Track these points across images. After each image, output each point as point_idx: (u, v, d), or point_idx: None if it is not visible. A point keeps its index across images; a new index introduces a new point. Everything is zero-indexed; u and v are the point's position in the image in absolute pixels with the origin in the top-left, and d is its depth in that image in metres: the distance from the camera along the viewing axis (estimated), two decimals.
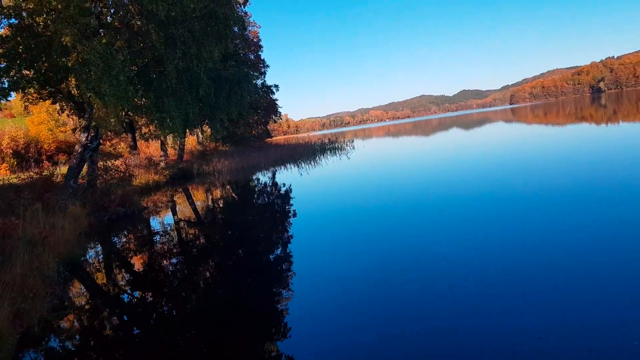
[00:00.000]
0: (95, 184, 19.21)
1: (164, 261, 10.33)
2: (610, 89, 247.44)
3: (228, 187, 24.52)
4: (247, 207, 17.18)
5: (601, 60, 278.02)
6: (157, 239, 12.90)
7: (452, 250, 7.94)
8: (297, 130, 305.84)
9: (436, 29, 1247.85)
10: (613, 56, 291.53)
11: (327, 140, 47.69)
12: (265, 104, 48.62)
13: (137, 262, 10.62)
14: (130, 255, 11.53)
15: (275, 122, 62.29)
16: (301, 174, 24.48)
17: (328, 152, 39.27)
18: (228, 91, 14.87)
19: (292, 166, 30.27)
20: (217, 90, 14.54)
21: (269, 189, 21.66)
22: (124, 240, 13.70)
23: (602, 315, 4.98)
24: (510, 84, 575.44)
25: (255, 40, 49.22)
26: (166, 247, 11.81)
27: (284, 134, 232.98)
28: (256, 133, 48.78)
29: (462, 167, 18.95)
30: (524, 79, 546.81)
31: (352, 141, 47.91)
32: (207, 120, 17.02)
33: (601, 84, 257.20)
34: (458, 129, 57.22)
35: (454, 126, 68.69)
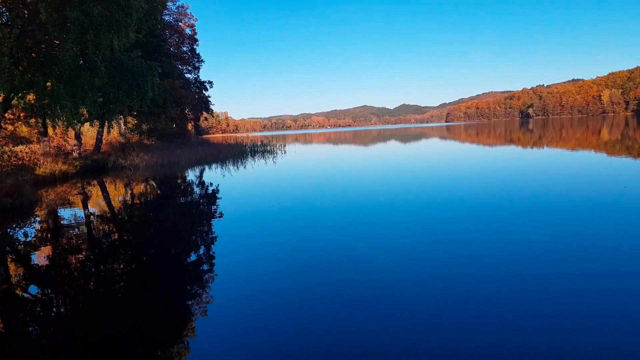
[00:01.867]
0: None
1: (52, 259, 9.40)
2: (538, 115, 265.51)
3: (142, 183, 23.29)
4: (159, 206, 16.27)
5: (532, 87, 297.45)
6: (47, 235, 11.69)
7: (364, 252, 8.36)
8: (236, 129, 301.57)
9: (381, 43, 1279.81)
10: (543, 84, 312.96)
11: (259, 143, 47.09)
12: (195, 100, 47.19)
13: (12, 262, 9.59)
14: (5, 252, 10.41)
15: (206, 119, 60.70)
16: (224, 175, 23.98)
17: (260, 154, 38.79)
18: (130, 83, 13.98)
19: (217, 166, 29.53)
20: (120, 81, 13.63)
21: (188, 188, 20.81)
22: (6, 234, 12.40)
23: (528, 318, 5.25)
24: (448, 102, 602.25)
25: (190, 33, 47.75)
26: (58, 243, 10.75)
27: (223, 132, 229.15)
28: (180, 128, 47.06)
29: (385, 177, 19.73)
30: (460, 99, 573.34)
31: (284, 146, 47.57)
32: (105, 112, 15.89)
33: (530, 110, 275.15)
34: (396, 142, 58.69)
35: (392, 138, 70.62)
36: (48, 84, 12.47)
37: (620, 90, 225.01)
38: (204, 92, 49.50)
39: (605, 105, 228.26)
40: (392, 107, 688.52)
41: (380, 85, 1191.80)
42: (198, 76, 48.99)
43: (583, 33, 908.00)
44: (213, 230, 11.32)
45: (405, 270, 7.17)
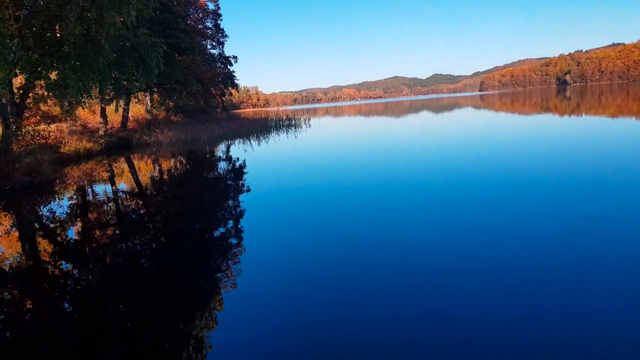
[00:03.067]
0: (9, 149, 17.89)
1: (75, 235, 9.49)
2: (576, 82, 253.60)
3: (165, 159, 23.47)
4: (182, 182, 16.20)
5: (569, 53, 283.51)
6: (64, 212, 11.78)
7: (395, 228, 7.89)
8: (267, 103, 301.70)
9: (412, 11, 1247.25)
10: (582, 50, 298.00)
11: (284, 117, 46.76)
12: (219, 76, 46.91)
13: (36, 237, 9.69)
14: (26, 230, 10.53)
15: (231, 94, 60.65)
16: (246, 150, 24.01)
17: (285, 128, 38.66)
18: (136, 61, 13.75)
19: (239, 142, 29.55)
20: (128, 59, 13.42)
21: (210, 164, 20.77)
22: (22, 212, 12.60)
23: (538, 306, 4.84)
24: (481, 71, 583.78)
25: (214, 8, 47.20)
26: (76, 219, 10.83)
27: (253, 107, 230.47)
28: (206, 104, 47.05)
29: (419, 151, 18.77)
30: (495, 67, 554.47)
31: (309, 119, 47.00)
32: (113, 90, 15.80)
33: (567, 77, 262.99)
34: (428, 113, 56.90)
35: (424, 109, 68.73)
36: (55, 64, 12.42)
37: None
38: (228, 67, 49.35)
39: None
40: (423, 77, 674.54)
41: (412, 56, 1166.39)
42: (223, 51, 48.79)
43: None
44: (239, 204, 11.11)
45: (443, 252, 6.63)
